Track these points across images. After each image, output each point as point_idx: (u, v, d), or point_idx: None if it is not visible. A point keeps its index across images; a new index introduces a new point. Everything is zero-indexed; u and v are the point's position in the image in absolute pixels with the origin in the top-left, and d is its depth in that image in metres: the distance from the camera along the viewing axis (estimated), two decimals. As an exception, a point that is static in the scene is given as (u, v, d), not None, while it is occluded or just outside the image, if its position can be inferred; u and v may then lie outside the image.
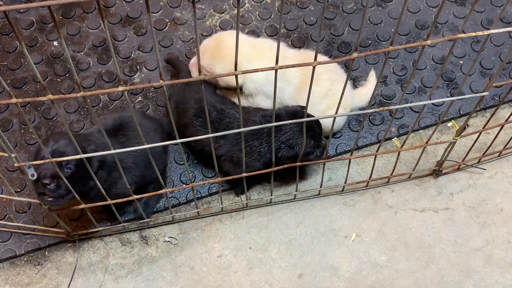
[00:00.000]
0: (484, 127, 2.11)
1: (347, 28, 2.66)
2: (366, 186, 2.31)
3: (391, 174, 2.25)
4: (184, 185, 2.27)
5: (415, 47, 2.59)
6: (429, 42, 1.43)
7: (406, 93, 2.49)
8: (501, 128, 2.15)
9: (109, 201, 1.84)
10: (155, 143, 1.61)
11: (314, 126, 2.06)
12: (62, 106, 2.45)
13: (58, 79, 2.53)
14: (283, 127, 2.03)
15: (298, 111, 2.06)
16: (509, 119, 2.13)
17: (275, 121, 1.65)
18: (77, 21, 2.68)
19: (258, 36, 2.63)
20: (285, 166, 1.97)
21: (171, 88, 2.40)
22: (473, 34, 1.49)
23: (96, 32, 2.66)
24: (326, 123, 2.12)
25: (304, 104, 2.08)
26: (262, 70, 1.37)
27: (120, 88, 1.30)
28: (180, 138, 1.57)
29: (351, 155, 2.01)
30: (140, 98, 2.48)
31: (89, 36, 2.64)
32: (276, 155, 1.97)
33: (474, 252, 2.19)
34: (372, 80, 2.45)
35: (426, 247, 2.20)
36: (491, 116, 2.06)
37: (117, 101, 2.47)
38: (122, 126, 2.07)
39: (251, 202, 2.27)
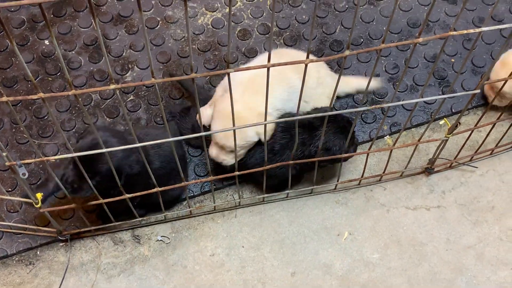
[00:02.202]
0: (476, 125, 2.12)
1: (339, 27, 2.67)
2: (359, 184, 2.31)
3: (383, 172, 2.25)
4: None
5: (407, 45, 2.60)
6: (420, 39, 1.43)
7: (398, 91, 2.49)
8: (493, 126, 2.16)
9: (101, 200, 1.83)
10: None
11: (347, 126, 2.04)
12: (54, 105, 2.44)
13: (49, 78, 2.52)
14: (316, 132, 2.02)
15: (326, 109, 2.03)
16: (500, 117, 2.13)
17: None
18: (68, 19, 2.67)
19: (251, 35, 2.63)
20: (278, 164, 1.97)
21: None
22: (465, 31, 1.49)
23: (87, 30, 2.64)
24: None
25: (308, 104, 2.10)
26: (254, 68, 1.37)
27: (112, 86, 1.29)
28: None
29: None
30: (132, 97, 2.47)
31: (81, 34, 2.63)
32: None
33: (466, 249, 2.20)
34: (365, 78, 2.44)
35: (418, 245, 2.20)
36: (483, 114, 2.07)
37: (108, 100, 2.46)
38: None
39: (244, 200, 2.26)
